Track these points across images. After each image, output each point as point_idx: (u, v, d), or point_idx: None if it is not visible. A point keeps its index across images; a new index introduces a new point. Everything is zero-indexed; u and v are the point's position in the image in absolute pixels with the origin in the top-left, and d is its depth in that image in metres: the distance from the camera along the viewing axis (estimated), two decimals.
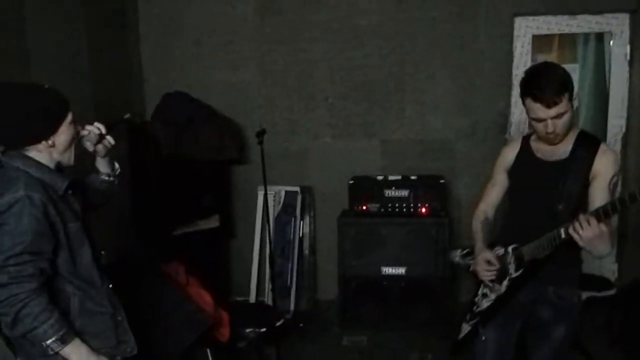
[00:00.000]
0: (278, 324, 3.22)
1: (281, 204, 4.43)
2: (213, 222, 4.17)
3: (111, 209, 3.64)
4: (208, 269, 3.80)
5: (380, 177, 4.07)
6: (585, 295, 3.23)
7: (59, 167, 1.94)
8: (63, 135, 1.89)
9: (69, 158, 1.94)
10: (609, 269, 4.20)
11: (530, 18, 4.08)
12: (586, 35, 4.20)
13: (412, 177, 4.04)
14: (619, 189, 2.16)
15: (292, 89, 4.39)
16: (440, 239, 3.86)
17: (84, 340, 1.85)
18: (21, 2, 3.16)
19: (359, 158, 4.38)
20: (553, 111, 2.00)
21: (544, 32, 4.12)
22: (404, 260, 3.92)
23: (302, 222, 4.41)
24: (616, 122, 4.13)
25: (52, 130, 1.86)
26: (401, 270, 3.94)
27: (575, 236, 1.86)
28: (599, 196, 2.03)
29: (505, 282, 2.24)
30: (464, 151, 4.27)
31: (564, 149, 2.13)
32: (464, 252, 2.54)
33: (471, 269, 2.39)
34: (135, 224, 4.03)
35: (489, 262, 2.26)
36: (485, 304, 2.34)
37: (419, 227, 3.90)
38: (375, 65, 4.27)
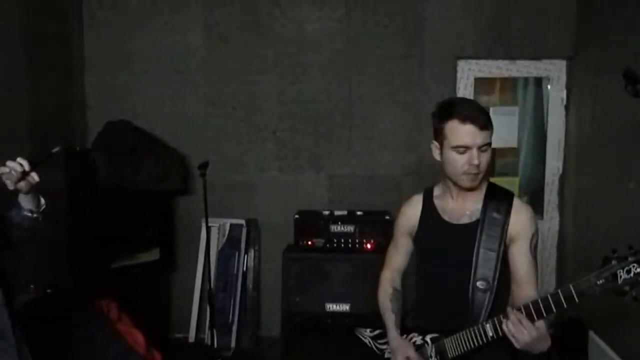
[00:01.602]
0: None
1: (225, 236, 4.33)
2: (153, 255, 4.03)
3: (45, 240, 3.48)
4: (147, 304, 3.66)
5: (326, 212, 4.05)
6: None
7: None
8: None
9: None
10: None
11: (473, 61, 4.23)
12: (525, 80, 4.38)
13: (358, 213, 4.03)
14: (539, 244, 1.98)
15: (239, 120, 4.36)
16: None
17: None
18: None
19: (306, 192, 4.36)
20: (482, 136, 1.79)
21: (486, 75, 4.27)
22: (349, 296, 3.87)
23: (246, 256, 4.32)
24: (553, 163, 4.28)
25: None
26: (345, 307, 3.88)
27: (511, 339, 1.64)
28: (522, 263, 1.84)
29: None
30: (410, 187, 4.30)
31: (473, 207, 1.91)
32: (375, 332, 2.19)
33: (386, 357, 2.08)
34: (70, 256, 3.85)
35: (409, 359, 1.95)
36: None
37: (364, 263, 3.86)
38: (324, 100, 4.31)
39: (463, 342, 1.82)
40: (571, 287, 1.58)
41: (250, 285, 4.34)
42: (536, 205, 4.37)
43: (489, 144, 1.83)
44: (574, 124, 4.16)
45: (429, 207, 2.01)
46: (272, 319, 4.22)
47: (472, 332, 1.79)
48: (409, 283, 2.22)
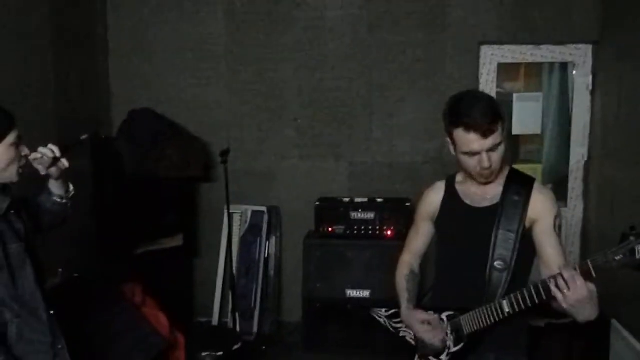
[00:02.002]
0: (235, 347, 3.16)
1: (247, 223, 4.38)
2: (177, 241, 4.10)
3: (73, 226, 3.58)
4: (170, 289, 3.73)
5: (346, 199, 4.07)
6: (543, 322, 3.27)
7: (4, 186, 1.87)
8: (1, 156, 1.80)
9: (10, 177, 1.85)
10: None
11: (496, 47, 4.17)
12: (551, 65, 4.30)
13: (379, 200, 4.04)
14: (563, 231, 1.96)
15: (260, 108, 4.38)
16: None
17: None
18: None
19: (326, 179, 4.38)
20: (489, 141, 1.77)
21: (509, 60, 4.20)
22: (369, 283, 3.90)
23: (268, 243, 4.37)
24: (578, 150, 4.21)
25: None
26: (366, 293, 3.91)
27: (559, 296, 1.60)
28: (548, 242, 1.83)
29: (444, 357, 1.95)
30: (430, 175, 4.29)
31: (494, 191, 1.91)
32: (390, 312, 2.21)
33: (401, 335, 2.12)
34: (96, 242, 3.95)
35: (425, 323, 1.96)
36: None
37: (384, 250, 3.87)
38: (344, 88, 4.30)
39: (479, 318, 1.84)
40: (589, 262, 1.58)
41: (271, 272, 4.39)
42: (560, 193, 4.32)
43: (500, 143, 1.81)
44: (600, 110, 4.08)
45: (451, 192, 2.03)
46: (293, 304, 4.28)
47: (489, 309, 1.80)
48: (428, 268, 2.23)
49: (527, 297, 1.71)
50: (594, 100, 4.14)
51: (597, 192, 4.08)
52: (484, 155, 1.79)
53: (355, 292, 3.92)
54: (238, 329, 3.91)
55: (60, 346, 1.95)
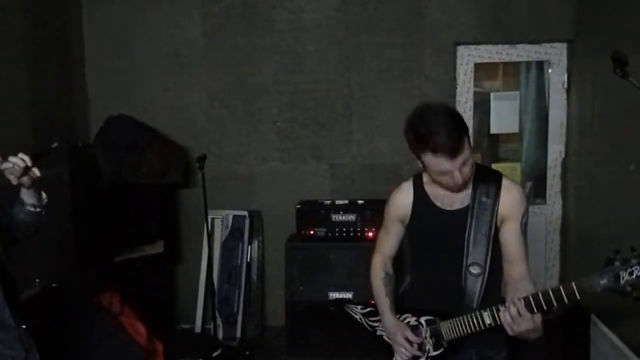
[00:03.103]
0: (215, 354, 3.14)
1: (229, 228, 4.36)
2: (157, 248, 4.07)
3: (51, 235, 3.54)
4: (152, 296, 3.71)
5: (327, 202, 4.07)
6: None
7: None
8: None
9: None
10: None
11: (472, 47, 4.20)
12: (528, 64, 4.34)
13: (359, 202, 4.05)
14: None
15: (239, 112, 4.37)
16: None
17: None
18: None
19: (308, 182, 4.37)
20: (459, 160, 1.77)
21: (486, 60, 4.24)
22: (351, 284, 3.89)
23: (250, 247, 4.36)
24: (556, 147, 4.25)
25: None
26: (348, 295, 3.91)
27: (506, 327, 1.70)
28: (513, 242, 1.87)
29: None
30: (411, 175, 4.29)
31: (463, 192, 1.92)
32: (367, 309, 2.22)
33: (378, 334, 2.14)
34: (75, 251, 3.91)
35: (408, 340, 1.98)
36: None
37: (366, 251, 3.83)
38: (324, 89, 4.30)
39: (459, 327, 1.86)
40: (573, 284, 1.61)
41: (254, 276, 4.38)
42: (540, 190, 4.37)
43: (469, 156, 1.82)
44: (575, 107, 4.12)
45: (420, 194, 2.02)
46: (277, 308, 4.27)
47: (470, 319, 1.83)
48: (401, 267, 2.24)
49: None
50: (570, 98, 4.19)
51: (575, 189, 4.12)
52: (456, 173, 1.81)
53: (338, 294, 3.92)
54: (221, 334, 3.89)
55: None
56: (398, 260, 2.23)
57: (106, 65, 4.38)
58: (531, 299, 1.66)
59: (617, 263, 1.56)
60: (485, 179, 1.94)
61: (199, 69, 4.36)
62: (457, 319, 1.86)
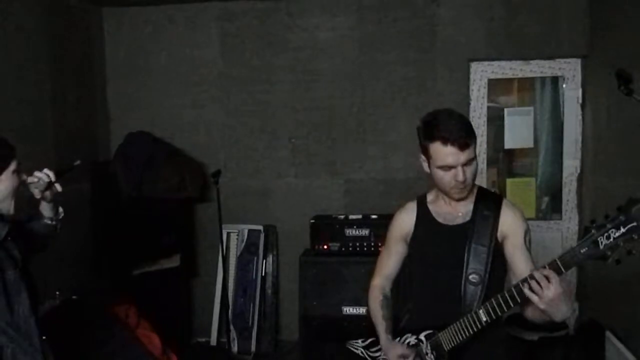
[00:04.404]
0: None
1: (244, 242, 4.42)
2: (174, 262, 4.15)
3: (72, 248, 3.64)
4: (169, 310, 3.77)
5: (341, 216, 4.10)
6: (538, 335, 3.27)
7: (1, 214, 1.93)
8: (3, 184, 1.89)
9: (8, 207, 1.93)
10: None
11: (486, 63, 4.22)
12: (542, 79, 4.34)
13: (373, 216, 4.07)
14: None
15: (255, 128, 4.45)
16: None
17: None
18: None
19: (322, 197, 4.42)
20: (464, 155, 1.82)
21: (499, 76, 4.25)
22: (365, 299, 3.86)
23: (265, 261, 4.40)
24: (571, 162, 4.23)
25: None
26: (362, 310, 3.91)
27: (534, 298, 1.64)
28: (519, 256, 1.88)
29: None
30: (424, 190, 4.31)
31: (466, 209, 1.96)
32: (367, 341, 2.19)
33: None
34: (94, 264, 4.00)
35: (403, 357, 1.96)
36: None
37: None
38: (338, 106, 4.36)
39: (457, 332, 1.86)
40: (557, 260, 1.64)
41: (269, 290, 4.41)
42: (555, 205, 4.34)
43: (473, 158, 1.87)
44: (590, 122, 4.10)
45: (423, 212, 2.06)
46: (291, 323, 4.29)
47: (466, 321, 1.83)
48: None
49: (503, 303, 1.75)
50: (585, 113, 4.17)
51: (591, 204, 4.09)
52: (459, 169, 1.84)
53: (351, 309, 3.93)
54: (236, 348, 3.93)
55: None
56: (397, 286, 2.24)
57: (126, 84, 4.51)
58: (552, 264, 1.65)
59: (593, 231, 1.61)
60: (488, 198, 1.99)
61: (216, 86, 4.46)
62: (454, 325, 1.87)
